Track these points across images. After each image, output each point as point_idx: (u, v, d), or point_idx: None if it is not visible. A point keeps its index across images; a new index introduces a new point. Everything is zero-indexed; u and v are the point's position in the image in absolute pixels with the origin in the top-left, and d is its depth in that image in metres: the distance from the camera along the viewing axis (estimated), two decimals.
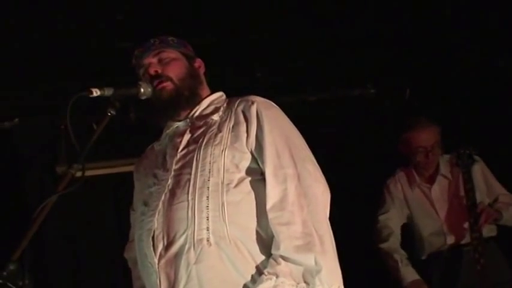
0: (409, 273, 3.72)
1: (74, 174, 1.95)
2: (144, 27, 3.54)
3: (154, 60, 2.34)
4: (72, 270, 4.49)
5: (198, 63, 2.43)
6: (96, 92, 2.06)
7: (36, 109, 4.35)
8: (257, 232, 2.04)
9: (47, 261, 4.41)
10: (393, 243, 3.86)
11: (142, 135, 2.66)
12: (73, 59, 3.96)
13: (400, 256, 3.79)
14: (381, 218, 3.94)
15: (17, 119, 4.30)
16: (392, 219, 3.92)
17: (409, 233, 3.98)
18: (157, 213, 2.10)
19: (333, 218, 2.07)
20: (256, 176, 2.10)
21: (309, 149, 2.18)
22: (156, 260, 2.06)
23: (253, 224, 2.05)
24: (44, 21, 3.63)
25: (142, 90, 2.23)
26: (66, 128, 2.01)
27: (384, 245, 3.86)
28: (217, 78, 2.48)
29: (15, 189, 4.35)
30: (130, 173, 2.49)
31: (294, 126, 2.23)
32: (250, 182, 2.09)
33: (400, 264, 3.75)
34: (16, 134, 4.41)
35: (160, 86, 2.27)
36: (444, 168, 3.89)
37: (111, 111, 2.10)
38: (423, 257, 3.87)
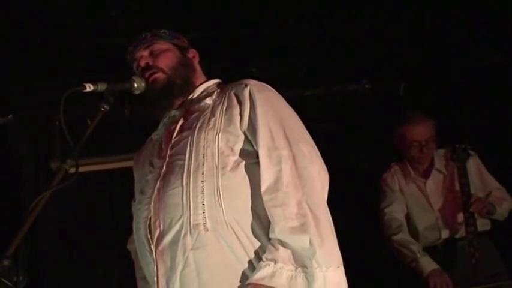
0: (428, 263, 3.65)
1: (68, 170, 1.94)
2: (138, 22, 3.54)
3: (145, 53, 2.36)
4: (66, 265, 4.49)
5: (192, 53, 2.45)
6: (89, 87, 2.06)
7: (31, 105, 4.34)
8: (254, 215, 2.02)
9: (41, 256, 4.42)
10: (406, 234, 3.81)
11: (138, 131, 2.66)
12: (68, 55, 3.96)
13: (417, 247, 3.73)
14: (387, 210, 3.89)
15: (11, 115, 4.28)
16: (398, 212, 3.88)
17: None
18: (152, 200, 2.09)
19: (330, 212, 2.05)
20: (252, 159, 2.07)
21: (305, 130, 2.15)
22: (153, 247, 2.05)
23: (250, 207, 2.02)
24: (37, 17, 3.62)
25: (136, 85, 2.24)
26: (60, 123, 2.00)
27: (397, 237, 3.79)
28: (212, 73, 2.48)
29: (10, 185, 4.35)
30: (126, 169, 2.49)
31: (290, 108, 2.19)
32: (246, 165, 2.06)
33: (418, 254, 3.68)
34: (10, 130, 4.40)
35: (152, 78, 2.28)
36: (439, 163, 3.89)
37: (105, 106, 2.10)
38: None
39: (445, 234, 3.76)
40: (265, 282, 1.86)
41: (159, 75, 2.29)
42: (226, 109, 2.15)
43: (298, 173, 1.99)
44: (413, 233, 3.87)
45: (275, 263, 1.88)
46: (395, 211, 3.89)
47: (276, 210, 1.94)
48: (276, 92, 2.22)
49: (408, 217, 3.91)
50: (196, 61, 2.44)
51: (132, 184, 2.40)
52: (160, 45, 2.36)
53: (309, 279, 1.87)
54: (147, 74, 2.29)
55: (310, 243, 1.87)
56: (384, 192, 3.96)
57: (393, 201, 3.91)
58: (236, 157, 2.07)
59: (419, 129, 3.80)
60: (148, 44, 2.36)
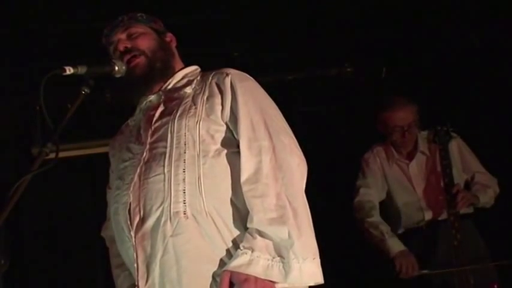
0: (395, 244, 3.70)
1: (48, 153, 1.93)
2: (117, 6, 3.49)
3: (123, 36, 2.33)
4: (48, 250, 4.48)
5: (169, 37, 2.43)
6: (69, 70, 2.04)
7: (11, 90, 4.30)
8: (234, 205, 2.03)
9: (23, 241, 4.40)
10: (378, 217, 3.84)
11: (119, 116, 2.64)
12: (47, 39, 3.92)
13: (386, 228, 3.77)
14: (362, 191, 3.91)
15: None
16: (373, 194, 3.91)
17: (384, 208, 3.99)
18: (132, 186, 2.08)
19: (311, 196, 2.04)
20: (233, 148, 2.08)
21: (284, 121, 2.16)
22: (133, 233, 2.05)
23: (229, 196, 2.03)
24: (15, 2, 3.58)
25: (116, 68, 2.22)
26: (41, 108, 1.98)
27: (370, 219, 3.82)
28: (193, 58, 2.46)
29: None
30: (107, 154, 2.47)
31: (269, 98, 2.20)
32: (227, 154, 2.06)
33: (386, 235, 3.73)
34: None
35: (133, 63, 2.26)
36: (423, 145, 3.89)
37: (85, 90, 2.09)
38: (399, 231, 3.87)
39: (429, 215, 3.77)
40: (242, 270, 1.87)
41: (141, 60, 2.27)
42: (207, 98, 2.15)
43: (277, 164, 2.00)
44: (396, 213, 3.90)
45: (252, 251, 1.89)
46: (370, 194, 3.91)
47: (255, 200, 1.95)
48: (255, 82, 2.23)
49: (390, 198, 3.94)
50: (173, 45, 2.43)
51: None
52: (138, 29, 2.34)
53: (286, 270, 1.88)
54: (127, 57, 2.27)
55: (289, 234, 1.89)
56: (363, 171, 3.97)
57: (371, 183, 3.93)
58: (217, 146, 2.08)
59: (401, 114, 3.79)
60: (126, 27, 2.33)
